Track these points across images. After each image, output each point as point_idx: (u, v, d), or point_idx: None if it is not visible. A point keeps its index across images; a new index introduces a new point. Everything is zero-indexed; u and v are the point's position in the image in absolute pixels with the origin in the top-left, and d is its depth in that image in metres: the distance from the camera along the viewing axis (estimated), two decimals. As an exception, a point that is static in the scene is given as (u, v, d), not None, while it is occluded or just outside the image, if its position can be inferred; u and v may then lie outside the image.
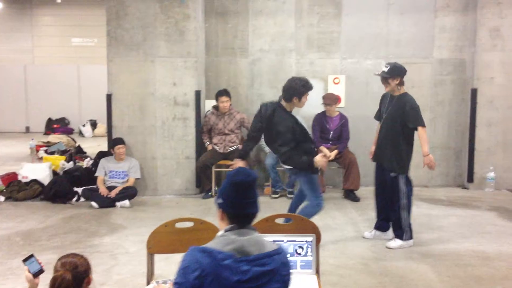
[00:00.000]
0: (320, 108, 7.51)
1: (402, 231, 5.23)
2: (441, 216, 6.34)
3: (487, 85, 7.55)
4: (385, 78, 5.11)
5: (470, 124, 7.63)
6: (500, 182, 7.59)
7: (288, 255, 3.12)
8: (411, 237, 5.27)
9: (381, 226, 5.48)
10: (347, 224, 6.04)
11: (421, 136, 5.10)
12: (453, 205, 6.85)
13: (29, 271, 2.54)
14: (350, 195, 7.14)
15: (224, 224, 2.22)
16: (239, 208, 2.19)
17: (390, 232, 5.37)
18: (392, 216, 5.29)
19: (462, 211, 6.56)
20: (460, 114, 7.84)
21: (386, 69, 5.10)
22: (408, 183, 5.18)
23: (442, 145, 7.92)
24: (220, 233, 2.20)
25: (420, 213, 6.45)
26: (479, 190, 7.57)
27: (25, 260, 2.57)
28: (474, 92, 7.56)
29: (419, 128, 5.08)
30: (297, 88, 4.85)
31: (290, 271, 2.22)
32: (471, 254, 5.04)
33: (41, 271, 2.57)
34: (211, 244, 2.13)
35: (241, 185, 2.18)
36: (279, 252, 2.17)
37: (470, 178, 7.68)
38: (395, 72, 5.08)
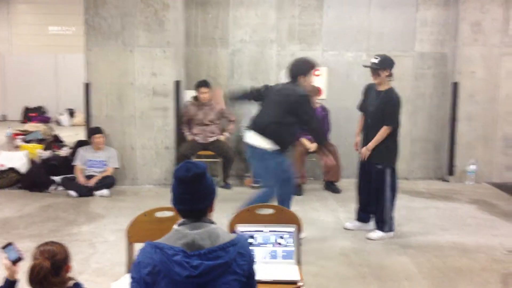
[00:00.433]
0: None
1: (384, 223, 5.22)
2: (421, 208, 6.35)
3: (468, 79, 7.58)
4: (376, 69, 5.08)
5: (450, 117, 7.66)
6: (480, 175, 7.64)
7: (262, 247, 3.14)
8: (391, 229, 5.27)
9: (362, 217, 5.47)
10: (327, 215, 6.02)
11: (380, 132, 5.08)
12: (433, 197, 6.88)
13: (8, 259, 2.50)
14: (331, 186, 7.12)
15: (179, 216, 2.19)
16: (184, 203, 2.15)
17: (372, 223, 5.37)
18: (375, 208, 5.28)
19: (442, 203, 6.59)
20: (440, 108, 7.86)
21: (376, 61, 5.08)
22: (394, 175, 5.18)
23: (422, 138, 7.95)
24: (175, 226, 2.16)
25: (400, 205, 6.41)
26: (459, 183, 7.62)
27: (3, 248, 2.54)
28: (455, 86, 7.58)
29: (385, 126, 5.06)
30: (301, 67, 4.91)
31: (250, 260, 2.16)
32: (451, 246, 5.06)
33: (19, 258, 2.53)
34: (164, 239, 2.10)
35: (183, 181, 2.13)
36: (235, 243, 2.10)
37: (451, 171, 7.72)
38: (386, 64, 5.07)
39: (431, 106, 7.89)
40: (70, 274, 2.48)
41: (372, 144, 5.13)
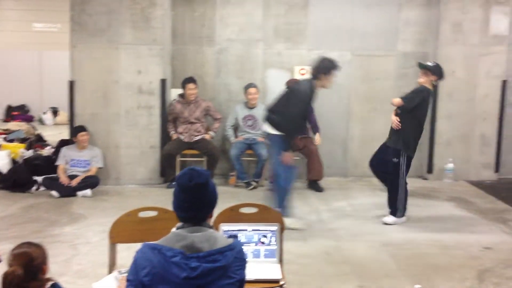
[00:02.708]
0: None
1: (396, 209, 5.66)
2: (401, 206, 6.46)
3: (448, 78, 7.58)
4: (428, 69, 5.57)
5: (430, 116, 7.77)
6: (459, 173, 7.77)
7: (245, 246, 3.17)
8: (403, 215, 5.75)
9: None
10: (310, 214, 6.10)
11: (394, 100, 5.65)
12: (413, 195, 6.91)
13: None
14: (314, 185, 7.20)
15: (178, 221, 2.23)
16: (184, 211, 2.19)
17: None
18: (388, 195, 5.74)
19: (422, 201, 6.70)
20: (421, 107, 7.97)
21: (431, 64, 5.64)
22: (409, 164, 5.58)
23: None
24: (173, 229, 2.20)
25: (381, 203, 6.52)
26: (438, 181, 7.74)
27: None
28: (435, 85, 7.68)
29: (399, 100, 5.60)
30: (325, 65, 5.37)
31: (244, 266, 2.21)
32: (429, 243, 5.18)
33: None
34: (162, 241, 2.13)
35: (185, 189, 2.17)
36: (232, 248, 2.15)
37: (430, 169, 7.86)
38: (437, 71, 5.58)
39: (413, 105, 7.99)
40: (48, 275, 2.45)
41: (395, 100, 5.65)
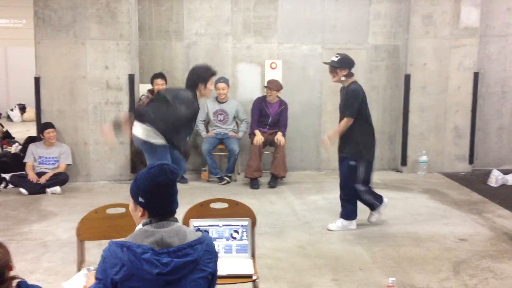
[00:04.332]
0: (257, 93, 7.53)
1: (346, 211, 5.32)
2: (375, 199, 6.43)
3: (420, 71, 7.71)
4: (334, 67, 5.13)
5: (403, 109, 7.78)
6: (432, 166, 7.79)
7: (216, 241, 3.13)
8: (354, 217, 5.35)
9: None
10: (284, 208, 6.03)
11: (341, 123, 5.16)
12: (387, 188, 6.98)
13: None
14: (273, 181, 7.00)
15: (144, 219, 2.19)
16: (160, 206, 2.17)
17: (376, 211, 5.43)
18: (342, 199, 5.32)
19: (396, 193, 6.69)
20: (394, 100, 7.98)
21: (336, 59, 5.12)
22: (368, 170, 5.22)
23: (377, 130, 7.78)
24: (139, 226, 2.17)
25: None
26: (412, 173, 7.74)
27: None
28: (407, 78, 7.71)
29: (345, 118, 5.12)
30: (201, 74, 4.84)
31: (215, 258, 2.20)
32: (404, 236, 5.15)
33: None
34: (130, 238, 2.10)
35: (165, 185, 2.16)
36: (202, 241, 2.15)
37: (404, 162, 7.86)
38: (345, 63, 5.12)
39: (385, 98, 8.00)
40: (16, 273, 2.31)
41: (333, 134, 5.21)
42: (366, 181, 5.24)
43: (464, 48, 7.69)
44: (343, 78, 5.14)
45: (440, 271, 4.31)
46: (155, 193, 2.15)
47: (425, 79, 7.71)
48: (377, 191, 6.70)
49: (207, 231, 3.17)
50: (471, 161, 7.93)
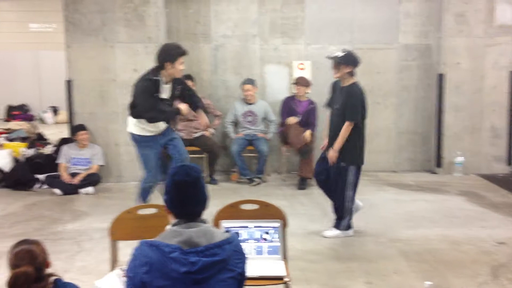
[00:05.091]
0: (285, 94, 7.49)
1: (341, 221, 5.04)
2: (409, 201, 6.29)
3: (454, 71, 7.54)
4: (338, 63, 4.88)
5: (437, 109, 7.61)
6: (468, 167, 7.59)
7: (247, 243, 3.09)
8: (349, 227, 5.07)
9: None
10: (315, 210, 5.94)
11: (343, 129, 4.87)
12: (422, 190, 6.82)
13: None
14: (302, 182, 6.92)
15: (172, 218, 2.20)
16: (182, 207, 2.17)
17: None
18: (335, 205, 5.11)
19: (431, 196, 6.53)
20: (426, 100, 7.81)
21: (341, 55, 4.90)
22: (358, 174, 4.98)
23: (409, 130, 7.90)
24: (168, 226, 2.17)
25: (388, 198, 6.42)
26: (448, 175, 7.56)
27: None
28: (440, 78, 7.54)
29: (347, 122, 4.86)
30: (168, 52, 4.94)
31: (244, 259, 2.18)
32: (440, 239, 5.00)
33: None
34: (159, 238, 2.11)
35: (182, 185, 2.16)
36: (230, 242, 2.14)
37: (438, 163, 7.68)
38: (349, 60, 4.88)
39: (417, 98, 7.84)
40: (51, 271, 2.40)
41: (338, 144, 4.88)
42: (355, 186, 5.00)
43: (500, 47, 7.49)
44: (346, 76, 4.92)
45: (478, 275, 4.16)
46: (173, 192, 2.18)
47: (459, 78, 7.53)
48: (411, 193, 6.68)
49: (237, 233, 3.11)
50: (509, 162, 7.69)
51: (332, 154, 4.91)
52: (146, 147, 5.21)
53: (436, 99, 7.63)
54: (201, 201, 2.21)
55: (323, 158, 5.12)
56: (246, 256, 2.20)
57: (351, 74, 4.92)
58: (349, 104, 4.86)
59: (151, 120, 5.08)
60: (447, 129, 7.60)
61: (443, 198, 6.45)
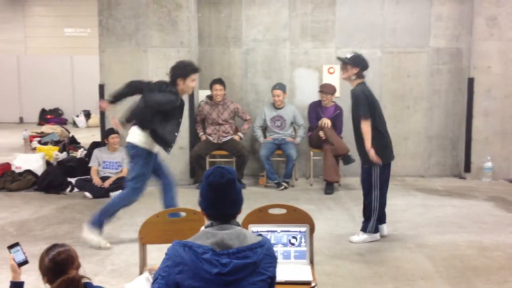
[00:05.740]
0: (314, 98, 7.49)
1: (368, 223, 5.06)
2: (437, 206, 6.27)
3: (484, 75, 7.47)
4: (345, 64, 5.00)
5: (467, 113, 7.55)
6: (498, 172, 7.52)
7: (274, 247, 3.11)
8: (376, 230, 5.08)
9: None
10: (342, 214, 5.97)
11: (363, 130, 4.91)
12: (450, 195, 6.79)
13: (14, 260, 2.48)
14: (328, 187, 6.93)
15: (207, 220, 2.24)
16: (216, 209, 2.20)
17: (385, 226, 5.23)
18: (363, 208, 5.14)
19: (459, 201, 6.49)
20: (456, 104, 7.77)
21: (349, 56, 5.02)
22: (383, 175, 5.01)
23: (438, 134, 7.86)
24: (202, 228, 2.21)
25: (416, 203, 6.40)
26: (476, 180, 7.50)
27: (10, 247, 2.51)
28: (471, 82, 7.48)
29: (361, 122, 4.91)
30: (180, 69, 4.85)
31: (275, 263, 2.21)
32: (468, 245, 4.98)
33: (25, 262, 2.51)
34: (192, 239, 2.14)
35: (216, 186, 2.19)
36: (262, 245, 2.16)
37: (467, 168, 7.62)
38: (357, 61, 4.97)
39: (447, 102, 7.80)
40: (82, 273, 2.44)
41: (367, 143, 4.91)
42: (381, 185, 5.03)
43: (531, 51, 7.40)
44: (353, 78, 5.01)
45: (506, 282, 4.13)
46: (207, 193, 2.20)
47: (489, 82, 7.46)
48: (439, 198, 6.65)
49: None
50: (539, 168, 7.60)
51: (372, 155, 4.92)
52: (147, 164, 5.04)
53: (466, 103, 7.58)
54: (234, 204, 2.22)
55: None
56: (277, 259, 2.22)
57: (358, 75, 5.00)
58: (354, 103, 4.99)
59: (168, 135, 4.99)
60: (477, 134, 7.54)
61: (472, 203, 6.41)
